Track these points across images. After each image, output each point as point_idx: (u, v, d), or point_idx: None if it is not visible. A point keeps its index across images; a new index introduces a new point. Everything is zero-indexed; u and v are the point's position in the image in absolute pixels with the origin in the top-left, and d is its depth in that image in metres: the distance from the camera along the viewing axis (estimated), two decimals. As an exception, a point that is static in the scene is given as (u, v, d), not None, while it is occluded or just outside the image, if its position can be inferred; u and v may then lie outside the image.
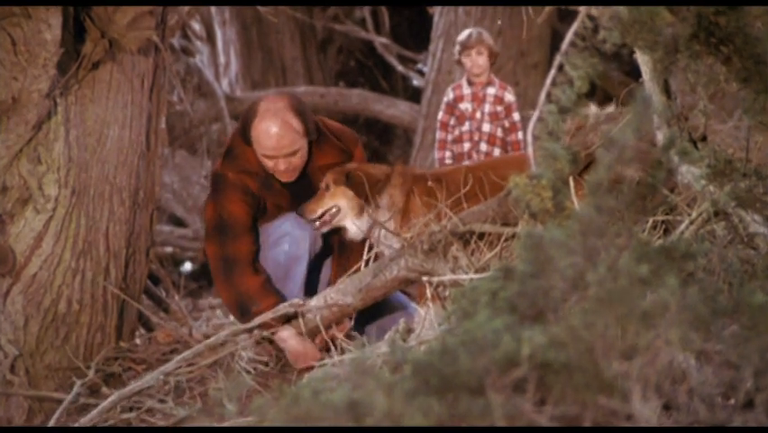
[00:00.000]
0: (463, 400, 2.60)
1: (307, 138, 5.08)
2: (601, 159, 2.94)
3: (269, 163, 5.05)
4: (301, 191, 5.13)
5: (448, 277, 4.62)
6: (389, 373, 2.92)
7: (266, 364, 4.96)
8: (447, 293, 4.67)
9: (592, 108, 4.85)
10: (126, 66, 5.29)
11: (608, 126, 4.74)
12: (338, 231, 5.18)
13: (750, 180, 3.72)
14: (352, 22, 12.43)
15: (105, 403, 4.64)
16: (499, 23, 9.57)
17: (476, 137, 7.44)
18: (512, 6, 9.57)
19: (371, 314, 5.13)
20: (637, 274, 2.71)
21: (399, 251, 4.85)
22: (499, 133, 7.47)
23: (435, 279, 4.66)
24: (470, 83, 7.51)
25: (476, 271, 4.60)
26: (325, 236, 5.21)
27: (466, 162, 7.25)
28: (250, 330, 4.94)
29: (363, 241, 5.10)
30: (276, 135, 4.99)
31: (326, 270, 5.31)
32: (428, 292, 4.67)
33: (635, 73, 4.33)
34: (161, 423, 4.69)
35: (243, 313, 5.04)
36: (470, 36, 7.50)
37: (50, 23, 4.86)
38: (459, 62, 7.59)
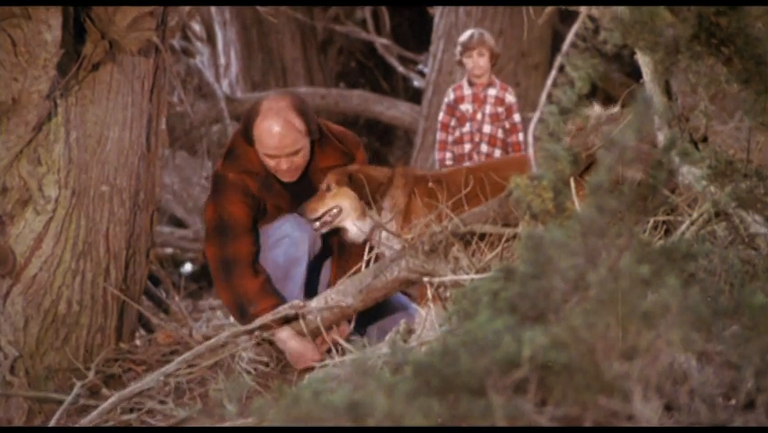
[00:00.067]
0: (464, 401, 2.60)
1: (310, 138, 5.08)
2: (602, 160, 2.94)
3: (270, 163, 5.05)
4: (301, 192, 5.13)
5: (449, 278, 4.61)
6: (390, 374, 2.92)
7: (266, 365, 4.96)
8: (448, 294, 4.67)
9: (595, 108, 4.85)
10: (126, 67, 5.29)
11: (608, 127, 4.74)
12: (337, 232, 5.17)
13: (751, 181, 3.72)
14: (353, 22, 12.44)
15: (105, 404, 4.64)
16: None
17: (477, 138, 7.44)
18: (513, 7, 9.57)
19: (372, 315, 5.12)
20: (638, 275, 2.70)
21: (400, 252, 4.85)
22: (500, 134, 7.47)
23: (436, 279, 4.66)
24: (470, 84, 7.51)
25: (477, 272, 4.59)
26: (325, 237, 5.21)
27: (467, 163, 7.25)
28: (250, 331, 4.94)
29: (363, 243, 5.10)
30: (278, 134, 4.99)
31: (326, 271, 5.30)
32: (429, 293, 4.67)
33: (635, 74, 4.33)
34: (162, 424, 4.68)
35: (242, 314, 5.04)
36: (471, 37, 7.50)
37: (51, 24, 4.86)
38: (460, 63, 7.59)
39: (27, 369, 5.15)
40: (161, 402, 4.79)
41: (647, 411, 2.62)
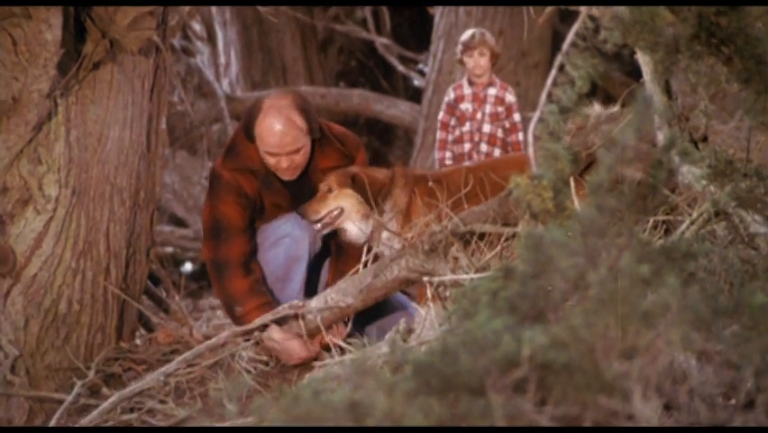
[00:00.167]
0: (464, 401, 2.60)
1: (311, 136, 5.08)
2: (602, 159, 2.94)
3: (271, 161, 5.05)
4: (301, 191, 5.13)
5: (449, 277, 4.61)
6: (390, 374, 2.92)
7: (266, 365, 4.96)
8: (448, 293, 4.67)
9: (595, 108, 4.85)
10: (127, 66, 5.29)
11: (608, 127, 4.74)
12: (336, 233, 5.17)
13: (751, 181, 3.72)
14: (353, 22, 12.44)
15: (105, 404, 4.64)
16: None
17: (476, 138, 7.44)
18: (513, 7, 9.57)
19: (372, 314, 5.12)
20: (638, 274, 2.71)
21: (400, 251, 4.85)
22: (500, 133, 7.47)
23: (436, 279, 4.65)
24: (470, 83, 7.51)
25: (476, 272, 4.59)
26: (325, 237, 5.21)
27: (466, 163, 7.25)
28: (250, 331, 4.94)
29: (361, 245, 5.09)
30: (279, 132, 4.99)
31: (326, 270, 5.30)
32: (429, 292, 4.67)
33: (635, 73, 4.33)
34: (162, 424, 4.69)
35: (232, 315, 5.07)
36: (472, 37, 7.50)
37: (51, 24, 4.86)
38: (461, 62, 7.59)
39: (27, 368, 5.15)
40: (162, 402, 4.80)
41: (647, 411, 2.62)
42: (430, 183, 5.10)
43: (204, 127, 10.66)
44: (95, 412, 4.60)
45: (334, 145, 5.20)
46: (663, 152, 3.22)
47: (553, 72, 3.37)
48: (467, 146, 7.46)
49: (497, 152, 7.43)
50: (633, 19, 3.56)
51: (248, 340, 4.96)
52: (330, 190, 5.08)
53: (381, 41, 12.01)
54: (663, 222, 4.43)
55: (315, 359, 4.95)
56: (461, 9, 9.83)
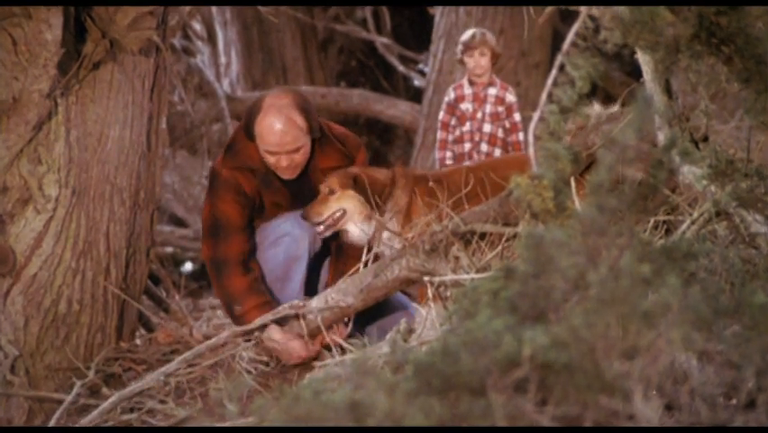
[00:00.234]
0: (465, 401, 2.59)
1: (311, 136, 5.08)
2: (603, 159, 2.93)
3: (271, 159, 5.05)
4: (301, 191, 5.12)
5: (449, 277, 4.61)
6: (391, 374, 2.92)
7: (266, 365, 4.96)
8: (448, 293, 4.67)
9: (595, 108, 4.85)
10: (127, 66, 5.29)
11: (609, 126, 4.73)
12: (337, 234, 5.16)
13: (751, 180, 3.72)
14: (354, 22, 12.43)
15: (105, 404, 4.64)
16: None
17: (477, 137, 7.44)
18: (513, 6, 9.57)
19: (372, 314, 5.12)
20: (639, 274, 2.70)
21: (401, 251, 4.85)
22: (500, 133, 7.46)
23: (437, 279, 4.65)
24: (471, 83, 7.50)
25: (477, 272, 4.59)
26: (325, 237, 5.21)
27: (467, 163, 7.25)
28: (250, 331, 4.94)
29: (361, 245, 5.09)
30: (279, 131, 4.99)
31: (326, 269, 5.30)
32: (429, 292, 4.67)
33: (636, 73, 4.33)
34: (162, 424, 4.68)
35: (231, 314, 5.07)
36: (473, 36, 7.50)
37: (51, 24, 4.86)
38: (461, 62, 7.59)
39: (27, 368, 5.15)
40: (162, 402, 4.79)
41: (648, 411, 2.62)
42: (430, 183, 5.09)
43: (204, 127, 10.66)
44: (94, 412, 4.60)
45: (335, 145, 5.20)
46: (664, 151, 3.22)
47: (554, 72, 3.37)
48: (467, 146, 7.46)
49: (497, 152, 7.43)
50: (633, 19, 3.56)
51: (248, 340, 4.96)
52: (332, 192, 5.07)
53: (382, 41, 12.00)
54: (664, 222, 4.43)
55: (316, 359, 4.95)
56: (462, 9, 9.83)
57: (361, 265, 4.96)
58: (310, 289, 5.18)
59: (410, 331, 4.63)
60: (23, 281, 5.13)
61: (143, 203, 5.44)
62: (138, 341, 5.61)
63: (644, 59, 3.92)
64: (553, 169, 3.25)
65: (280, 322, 4.93)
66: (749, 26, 3.62)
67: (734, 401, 2.88)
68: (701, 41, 3.64)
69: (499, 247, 4.69)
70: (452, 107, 7.52)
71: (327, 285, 5.16)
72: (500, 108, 7.45)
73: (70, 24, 5.06)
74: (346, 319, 5.01)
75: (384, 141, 12.32)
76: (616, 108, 4.90)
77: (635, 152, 2.90)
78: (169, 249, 11.23)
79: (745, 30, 3.61)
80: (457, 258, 4.70)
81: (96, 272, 5.26)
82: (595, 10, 3.61)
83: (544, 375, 2.62)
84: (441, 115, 7.61)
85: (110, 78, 5.24)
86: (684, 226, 4.05)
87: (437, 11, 10.15)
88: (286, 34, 11.79)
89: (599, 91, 9.67)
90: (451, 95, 7.55)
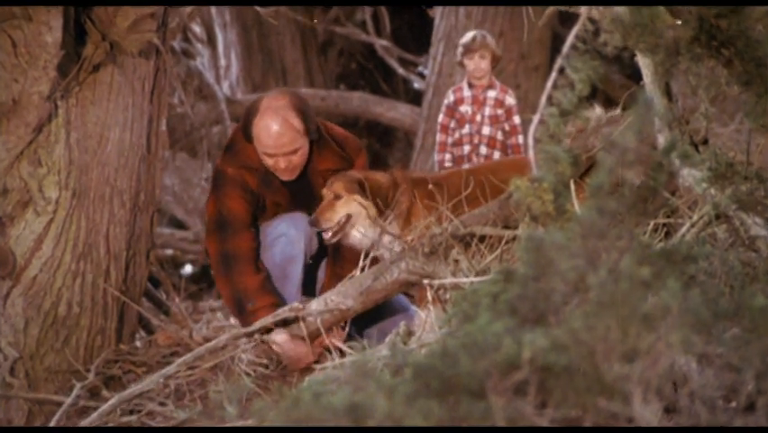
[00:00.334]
0: (464, 403, 2.59)
1: (308, 137, 5.08)
2: (602, 162, 2.94)
3: (269, 161, 5.06)
4: (300, 191, 5.13)
5: (449, 280, 4.61)
6: (390, 376, 2.92)
7: (266, 367, 4.96)
8: (448, 296, 4.67)
9: (595, 110, 4.85)
10: (127, 68, 5.29)
11: (609, 129, 4.74)
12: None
13: (751, 183, 3.72)
14: (353, 24, 12.43)
15: (105, 406, 4.64)
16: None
17: (476, 140, 7.44)
18: (513, 9, 9.57)
19: (372, 317, 5.12)
20: (638, 277, 2.70)
21: (400, 254, 4.85)
22: (500, 136, 7.47)
23: (436, 282, 4.65)
24: (470, 86, 7.51)
25: (477, 274, 4.59)
26: (321, 237, 5.20)
27: (466, 165, 7.25)
28: (250, 334, 4.94)
29: (360, 249, 5.08)
30: (276, 133, 5.00)
31: (323, 270, 5.31)
32: (429, 295, 4.67)
33: (636, 76, 4.34)
34: (162, 426, 4.68)
35: (239, 310, 5.06)
36: (474, 39, 7.49)
37: (51, 26, 4.86)
38: (461, 64, 7.59)
39: (27, 370, 5.15)
40: (161, 404, 4.79)
41: (647, 414, 2.62)
42: (430, 186, 5.10)
43: (204, 129, 10.66)
44: (94, 414, 4.60)
45: (333, 147, 5.20)
46: (664, 154, 3.22)
47: (554, 75, 3.37)
48: (466, 149, 7.46)
49: (496, 155, 7.43)
50: (633, 21, 3.56)
51: (248, 343, 4.96)
52: (338, 197, 5.06)
53: (381, 44, 12.00)
54: (664, 225, 4.43)
55: (317, 361, 4.95)
56: (461, 11, 9.83)
57: (358, 269, 4.96)
58: (307, 289, 5.18)
59: (410, 334, 4.62)
60: (23, 284, 5.13)
61: (143, 205, 5.44)
62: (138, 343, 5.61)
63: (644, 62, 3.92)
64: (552, 172, 3.25)
65: (282, 325, 4.93)
66: (749, 29, 3.63)
67: (733, 404, 2.88)
68: (701, 43, 3.65)
69: (499, 250, 4.69)
70: (452, 110, 7.52)
71: (324, 286, 5.17)
72: (500, 111, 7.45)
73: (70, 26, 5.06)
74: (342, 323, 5.01)
75: (384, 143, 12.33)
76: (616, 111, 4.91)
77: (635, 154, 2.90)
78: (169, 251, 11.23)
79: (746, 32, 3.62)
80: (457, 261, 4.71)
81: (96, 275, 5.25)
82: (595, 12, 3.61)
83: (543, 378, 2.62)
84: (440, 117, 7.61)
85: (110, 80, 5.24)
86: (684, 229, 4.06)
87: (437, 13, 10.15)
88: (285, 37, 11.79)
89: (599, 94, 9.67)
90: (450, 97, 7.56)
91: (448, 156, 7.53)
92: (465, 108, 7.48)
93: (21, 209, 5.11)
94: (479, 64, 7.45)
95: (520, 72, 9.91)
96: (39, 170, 5.10)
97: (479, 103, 7.45)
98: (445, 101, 7.60)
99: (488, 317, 2.74)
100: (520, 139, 7.46)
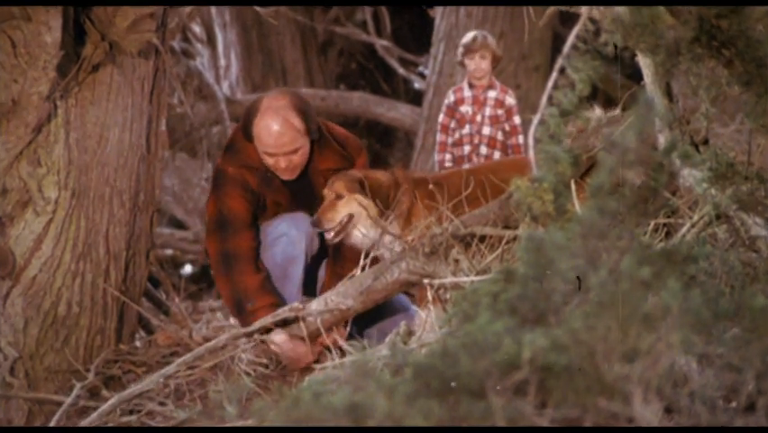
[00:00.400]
0: (464, 403, 2.59)
1: (309, 137, 5.08)
2: (603, 162, 2.93)
3: (269, 161, 5.06)
4: (301, 191, 5.13)
5: (449, 280, 4.61)
6: (390, 376, 2.92)
7: (266, 367, 4.96)
8: (448, 296, 4.66)
9: (596, 111, 4.85)
10: (126, 68, 5.29)
11: (609, 129, 4.73)
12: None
13: (752, 183, 3.72)
14: (353, 24, 12.43)
15: (104, 406, 4.64)
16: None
17: (476, 140, 7.44)
18: (513, 9, 9.57)
19: (372, 317, 5.12)
20: (639, 277, 2.70)
21: (400, 254, 4.84)
22: (500, 136, 7.46)
23: (436, 281, 4.65)
24: (470, 86, 7.50)
25: (477, 274, 4.59)
26: (322, 236, 5.20)
27: (466, 166, 7.25)
28: (250, 334, 4.93)
29: (360, 249, 5.08)
30: (276, 133, 5.00)
31: (323, 269, 5.30)
32: (429, 295, 4.67)
33: (636, 76, 4.33)
34: (162, 426, 4.68)
35: (239, 310, 5.06)
36: (474, 39, 7.49)
37: (51, 26, 4.86)
38: (461, 64, 7.59)
39: (27, 370, 5.15)
40: (161, 404, 4.79)
41: (647, 414, 2.62)
42: (430, 186, 5.09)
43: (204, 129, 10.65)
44: (94, 414, 4.59)
45: (333, 147, 5.20)
46: (664, 154, 3.21)
47: (554, 75, 3.37)
48: (467, 149, 7.46)
49: (496, 155, 7.42)
50: (633, 21, 3.56)
51: (248, 342, 4.95)
52: (339, 197, 5.05)
53: (382, 44, 12.00)
54: (664, 225, 4.43)
55: (317, 361, 4.95)
56: (462, 11, 9.83)
57: (359, 269, 4.96)
58: (308, 289, 5.18)
59: (410, 333, 4.62)
60: (23, 284, 5.13)
61: (143, 205, 5.44)
62: (137, 343, 5.61)
63: (644, 62, 3.92)
64: (553, 172, 3.25)
65: (281, 325, 4.93)
66: (750, 29, 3.62)
67: (733, 404, 2.87)
68: (702, 43, 3.64)
69: (499, 250, 4.68)
70: (452, 110, 7.52)
71: (325, 286, 5.17)
72: (500, 111, 7.45)
73: (70, 27, 5.06)
74: (344, 323, 5.01)
75: (384, 143, 12.33)
76: (616, 111, 4.91)
77: (636, 154, 2.90)
78: (169, 251, 11.23)
79: (746, 33, 3.61)
80: (457, 261, 4.70)
81: (96, 275, 5.25)
82: (596, 12, 3.61)
83: (543, 378, 2.62)
84: (440, 117, 7.61)
85: (109, 80, 5.24)
86: (684, 229, 4.05)
87: (437, 13, 10.14)
88: (285, 37, 11.79)
89: (600, 94, 9.65)
90: (450, 97, 7.55)
91: (448, 156, 7.53)
92: (465, 108, 7.48)
93: (20, 209, 5.11)
94: (479, 64, 7.45)
95: (521, 72, 9.91)
96: (38, 170, 5.10)
97: (479, 103, 7.45)
98: (446, 101, 7.60)
99: (488, 316, 2.74)
100: (520, 139, 7.46)
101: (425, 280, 4.69)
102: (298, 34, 11.86)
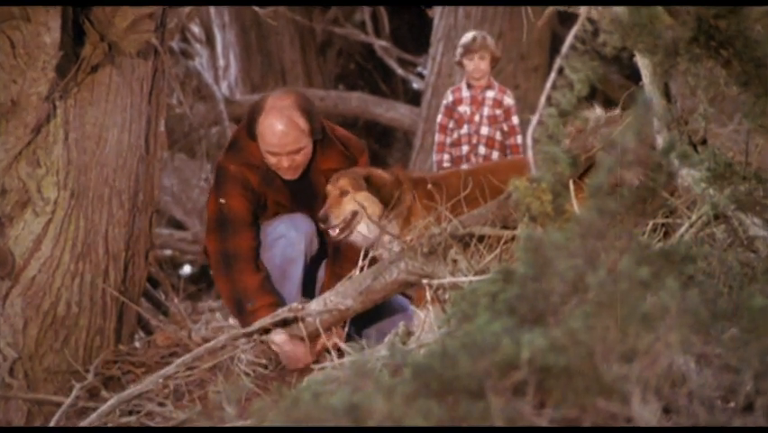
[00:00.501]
0: (463, 403, 2.59)
1: (312, 137, 5.09)
2: (601, 162, 2.94)
3: (272, 160, 5.06)
4: (302, 191, 5.13)
5: (448, 280, 4.61)
6: (389, 376, 2.92)
7: (265, 367, 4.96)
8: (447, 296, 4.67)
9: (594, 111, 4.85)
10: (125, 69, 5.29)
11: (608, 130, 4.74)
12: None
13: (750, 184, 3.72)
14: (352, 25, 12.44)
15: (104, 407, 4.64)
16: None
17: (474, 140, 7.44)
18: (512, 9, 9.57)
19: (371, 317, 5.12)
20: (637, 277, 2.70)
21: (399, 254, 4.85)
22: (498, 136, 7.47)
23: (435, 282, 4.65)
24: (469, 86, 7.51)
25: (476, 274, 4.59)
26: (322, 237, 5.21)
27: (465, 166, 7.25)
28: (249, 334, 4.93)
29: (360, 248, 5.08)
30: (280, 132, 5.00)
31: (323, 270, 5.30)
32: (428, 295, 4.67)
33: (635, 76, 4.33)
34: (161, 426, 4.68)
35: (239, 310, 5.06)
36: (473, 40, 7.49)
37: (50, 26, 4.86)
38: (460, 64, 7.59)
39: (26, 371, 5.15)
40: (160, 404, 4.79)
41: (646, 414, 2.62)
42: (429, 186, 5.09)
43: (202, 130, 10.66)
44: (93, 415, 4.60)
45: (336, 147, 5.20)
46: (663, 154, 3.22)
47: (553, 75, 3.37)
48: (465, 149, 7.46)
49: (495, 155, 7.43)
50: (632, 22, 3.56)
51: (247, 343, 4.96)
52: (344, 194, 5.05)
53: (380, 44, 12.00)
54: (663, 225, 4.43)
55: (316, 361, 4.95)
56: (461, 12, 9.83)
57: (357, 269, 4.96)
58: (308, 290, 5.18)
59: (409, 334, 4.62)
60: (22, 284, 5.13)
61: (142, 206, 5.44)
62: (137, 344, 5.61)
63: (642, 63, 3.92)
64: (551, 172, 3.25)
65: (281, 325, 4.93)
66: (748, 29, 3.62)
67: (732, 405, 2.88)
68: (700, 44, 3.64)
69: (498, 250, 4.69)
70: (450, 110, 7.52)
71: (324, 286, 5.17)
72: (498, 111, 7.45)
73: (69, 27, 5.06)
74: (342, 323, 5.01)
75: (383, 144, 12.33)
76: (614, 111, 4.91)
77: (634, 155, 2.90)
78: (168, 252, 11.23)
79: (744, 33, 3.61)
80: (455, 261, 4.70)
81: (95, 275, 5.25)
82: (594, 12, 3.61)
83: (542, 378, 2.62)
84: (439, 117, 7.61)
85: (108, 80, 5.24)
86: (683, 229, 4.06)
87: (436, 13, 10.15)
88: (284, 37, 11.79)
89: (598, 94, 9.67)
90: (449, 98, 7.56)
91: (446, 156, 7.53)
92: (464, 108, 7.48)
93: (19, 210, 5.11)
94: (478, 65, 7.45)
95: (519, 72, 9.91)
96: (37, 170, 5.10)
97: (477, 103, 7.46)
98: (444, 101, 7.60)
99: (486, 317, 2.74)
100: (519, 139, 7.46)
101: (424, 281, 4.69)
102: (297, 35, 11.86)
